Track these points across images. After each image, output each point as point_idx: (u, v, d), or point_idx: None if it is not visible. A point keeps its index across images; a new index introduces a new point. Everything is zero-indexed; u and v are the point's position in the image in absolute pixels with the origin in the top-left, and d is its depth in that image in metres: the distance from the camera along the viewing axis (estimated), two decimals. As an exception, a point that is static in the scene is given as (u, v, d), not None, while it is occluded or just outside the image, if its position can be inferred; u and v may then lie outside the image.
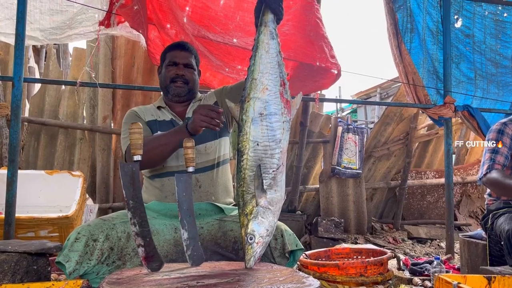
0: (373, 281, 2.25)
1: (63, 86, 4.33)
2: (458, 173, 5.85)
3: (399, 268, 2.78)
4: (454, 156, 6.08)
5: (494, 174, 2.38)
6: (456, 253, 4.75)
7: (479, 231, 2.60)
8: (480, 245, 2.49)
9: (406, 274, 3.08)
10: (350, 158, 4.90)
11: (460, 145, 6.13)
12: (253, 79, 1.62)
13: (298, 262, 2.44)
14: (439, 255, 3.30)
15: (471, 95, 4.45)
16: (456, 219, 5.67)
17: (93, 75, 3.39)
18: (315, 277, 2.30)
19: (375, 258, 2.29)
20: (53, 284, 1.55)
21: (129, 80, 4.27)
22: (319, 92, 4.10)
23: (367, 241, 5.01)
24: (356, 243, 4.91)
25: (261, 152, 1.56)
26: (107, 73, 4.21)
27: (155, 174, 2.03)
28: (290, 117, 1.66)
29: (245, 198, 1.56)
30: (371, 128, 11.11)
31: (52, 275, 2.33)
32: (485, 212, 2.53)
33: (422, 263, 3.18)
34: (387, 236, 5.22)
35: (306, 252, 2.62)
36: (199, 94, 2.21)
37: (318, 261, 2.37)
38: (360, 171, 5.01)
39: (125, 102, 4.32)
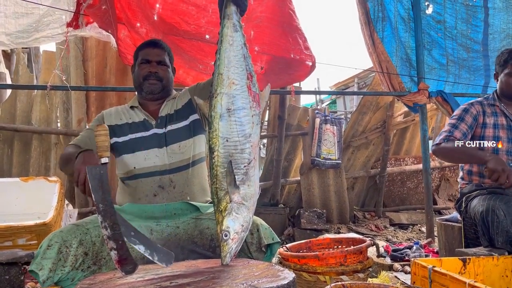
0: (353, 269, 2.26)
1: (35, 91, 4.24)
2: (436, 158, 5.94)
3: (378, 256, 2.82)
4: (430, 141, 6.18)
5: (445, 144, 2.40)
6: (436, 236, 4.85)
7: (455, 214, 2.65)
8: (456, 228, 2.54)
9: (387, 261, 3.13)
10: (329, 149, 4.93)
11: (435, 130, 6.23)
12: (219, 74, 1.59)
13: (278, 255, 2.45)
14: (419, 240, 3.36)
15: (443, 80, 4.51)
16: (435, 203, 5.78)
17: (64, 78, 3.32)
18: (295, 269, 2.32)
19: (354, 247, 2.30)
20: (26, 294, 1.52)
21: (102, 82, 4.21)
22: (295, 84, 4.11)
23: (350, 230, 5.06)
24: (339, 232, 4.95)
25: (231, 148, 1.54)
26: (79, 75, 4.14)
27: (126, 177, 2.00)
28: (259, 110, 1.64)
29: (219, 195, 1.55)
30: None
31: (28, 283, 2.29)
32: (459, 195, 2.58)
33: (403, 249, 3.24)
34: (369, 224, 5.29)
35: (287, 245, 2.62)
36: (174, 92, 2.18)
37: (298, 253, 2.38)
38: (340, 161, 5.05)
39: (99, 104, 4.25)
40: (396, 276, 2.58)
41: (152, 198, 1.92)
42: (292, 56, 3.76)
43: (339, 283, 1.66)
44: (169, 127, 2.02)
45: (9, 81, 6.07)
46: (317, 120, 4.84)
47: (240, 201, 1.55)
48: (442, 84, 4.52)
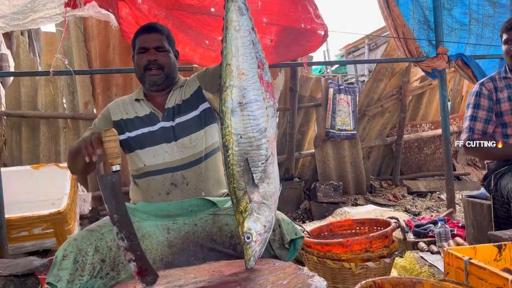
0: (379, 255, 2.17)
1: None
2: (454, 122, 5.76)
3: (404, 239, 2.72)
4: (449, 104, 5.98)
5: (472, 148, 2.39)
6: (457, 204, 4.74)
7: (483, 191, 2.52)
8: (485, 206, 2.42)
9: (411, 237, 3.03)
10: (344, 120, 4.78)
11: (453, 93, 6.02)
12: (227, 64, 1.44)
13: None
14: (442, 217, 3.25)
15: (464, 42, 4.27)
16: (454, 169, 5.63)
17: (66, 62, 3.17)
18: (319, 257, 2.24)
19: (379, 232, 2.20)
20: (43, 307, 1.46)
21: (106, 62, 4.06)
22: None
23: (367, 201, 4.97)
24: (356, 204, 4.88)
25: (247, 145, 1.43)
26: (82, 56, 3.99)
27: (137, 175, 1.90)
28: (274, 100, 1.50)
29: (237, 195, 1.45)
30: (363, 81, 10.94)
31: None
32: (486, 172, 2.46)
33: (426, 224, 3.14)
34: (386, 193, 5.19)
35: (308, 229, 2.54)
36: (181, 79, 2.02)
37: (321, 240, 2.29)
38: (355, 132, 4.90)
39: (105, 85, 4.12)
40: (422, 257, 2.49)
41: (165, 196, 1.83)
42: (302, 26, 3.55)
43: (370, 280, 1.57)
44: (178, 120, 1.88)
45: (11, 62, 5.95)
46: (331, 91, 4.67)
47: (261, 201, 1.45)
48: (462, 46, 4.28)
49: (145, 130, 1.89)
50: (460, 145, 2.50)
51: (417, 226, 3.12)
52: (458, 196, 5.19)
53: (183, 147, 1.85)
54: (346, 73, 11.42)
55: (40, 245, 3.56)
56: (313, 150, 4.98)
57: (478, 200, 2.50)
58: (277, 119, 1.52)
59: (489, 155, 2.43)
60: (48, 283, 1.53)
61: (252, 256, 1.42)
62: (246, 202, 1.43)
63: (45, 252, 3.74)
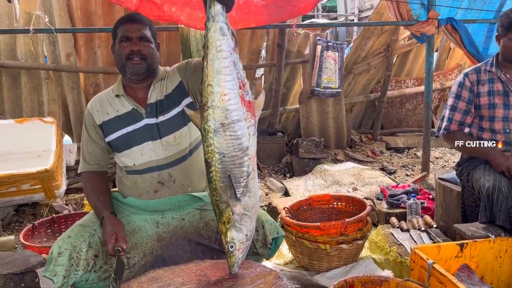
0: (353, 238, 2.35)
1: (16, 23, 3.92)
2: (438, 79, 5.82)
3: (377, 222, 2.86)
4: (434, 60, 5.98)
5: (449, 138, 2.53)
6: (431, 162, 4.96)
7: (455, 175, 2.66)
8: (454, 192, 2.57)
9: (384, 206, 3.23)
10: (330, 77, 4.78)
11: (440, 50, 6.00)
12: (208, 84, 1.43)
13: (281, 220, 2.51)
14: (416, 187, 3.44)
15: (456, 7, 4.21)
16: (432, 126, 5.80)
17: (47, 20, 3.04)
18: (297, 237, 2.40)
19: (355, 218, 2.36)
20: (43, 303, 1.59)
21: (87, 13, 3.88)
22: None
23: (347, 156, 5.15)
24: (336, 159, 5.05)
25: (229, 163, 1.47)
26: (62, 6, 3.80)
27: (125, 170, 1.93)
28: (255, 119, 1.52)
29: (220, 207, 1.53)
30: (352, 20, 10.67)
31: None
32: (460, 160, 2.59)
33: (400, 194, 3.33)
34: (365, 149, 5.36)
35: (287, 205, 2.68)
36: (160, 70, 1.97)
37: (300, 222, 2.44)
38: (340, 90, 4.94)
39: (88, 37, 3.98)
40: (392, 234, 2.68)
41: (153, 194, 1.89)
42: (295, -14, 3.44)
43: (342, 279, 1.74)
44: (161, 118, 1.88)
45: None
46: (319, 48, 4.62)
47: (242, 212, 1.54)
48: (454, 10, 4.22)
49: (130, 128, 1.88)
50: (437, 133, 2.62)
51: (391, 196, 3.31)
52: (433, 153, 5.41)
53: (168, 145, 1.87)
54: (336, 11, 11.10)
55: (29, 199, 3.67)
56: (298, 106, 5.03)
57: (449, 185, 2.65)
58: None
59: (461, 150, 2.56)
60: (44, 276, 1.65)
61: (235, 263, 1.54)
62: (229, 214, 1.52)
63: (34, 205, 3.87)
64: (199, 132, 1.94)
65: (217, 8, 1.42)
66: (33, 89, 4.13)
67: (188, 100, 1.91)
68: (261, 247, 1.83)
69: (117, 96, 1.93)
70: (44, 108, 4.20)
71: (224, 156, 1.47)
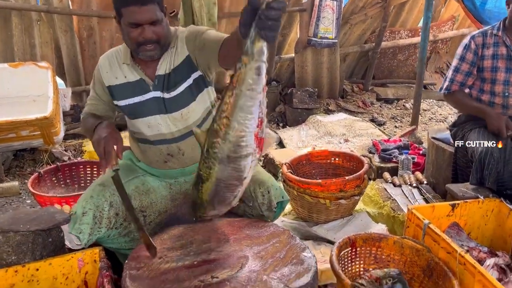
0: (351, 194, 2.51)
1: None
2: (431, 31, 5.81)
3: (373, 178, 2.96)
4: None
5: (450, 97, 2.68)
6: (420, 115, 5.10)
7: (448, 135, 2.79)
8: (447, 152, 2.72)
9: (376, 160, 3.40)
10: (327, 27, 4.75)
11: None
12: (226, 117, 1.31)
13: (282, 175, 2.64)
14: (407, 141, 3.58)
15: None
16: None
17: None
18: (299, 192, 2.55)
19: (354, 175, 2.50)
20: (72, 257, 1.70)
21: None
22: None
23: (338, 106, 5.25)
24: (328, 109, 5.15)
25: (223, 188, 1.47)
26: None
27: (135, 137, 1.96)
28: (261, 153, 1.47)
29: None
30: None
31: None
32: (456, 119, 2.71)
33: (392, 149, 3.48)
34: (357, 100, 5.46)
35: (288, 161, 2.79)
36: (171, 34, 1.85)
37: (302, 178, 2.56)
38: (336, 40, 4.92)
39: (81, -23, 3.82)
40: (385, 189, 2.86)
41: (163, 164, 1.93)
42: None
43: (346, 237, 1.90)
44: (167, 95, 1.82)
45: None
46: (317, -4, 4.54)
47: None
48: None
49: (136, 99, 1.85)
50: (439, 92, 2.77)
51: (384, 150, 3.47)
52: (421, 106, 5.54)
53: (175, 120, 1.86)
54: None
55: (28, 144, 3.69)
56: (293, 55, 5.02)
57: (442, 145, 2.79)
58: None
59: (460, 107, 2.69)
60: (71, 233, 1.76)
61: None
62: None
63: (33, 150, 3.90)
64: (207, 105, 1.94)
65: (261, 45, 1.20)
66: (25, 30, 3.99)
67: (197, 73, 1.84)
68: (267, 210, 1.92)
69: (124, 63, 1.87)
70: (37, 51, 4.10)
71: (220, 182, 1.45)
